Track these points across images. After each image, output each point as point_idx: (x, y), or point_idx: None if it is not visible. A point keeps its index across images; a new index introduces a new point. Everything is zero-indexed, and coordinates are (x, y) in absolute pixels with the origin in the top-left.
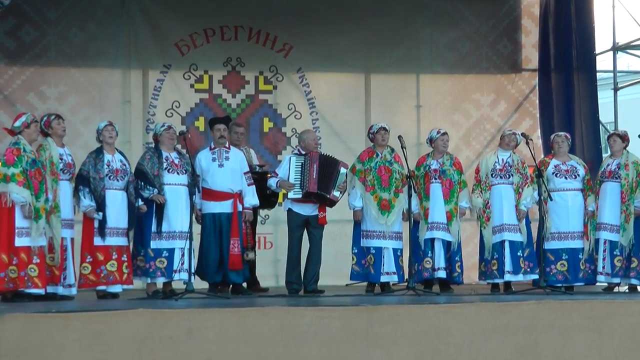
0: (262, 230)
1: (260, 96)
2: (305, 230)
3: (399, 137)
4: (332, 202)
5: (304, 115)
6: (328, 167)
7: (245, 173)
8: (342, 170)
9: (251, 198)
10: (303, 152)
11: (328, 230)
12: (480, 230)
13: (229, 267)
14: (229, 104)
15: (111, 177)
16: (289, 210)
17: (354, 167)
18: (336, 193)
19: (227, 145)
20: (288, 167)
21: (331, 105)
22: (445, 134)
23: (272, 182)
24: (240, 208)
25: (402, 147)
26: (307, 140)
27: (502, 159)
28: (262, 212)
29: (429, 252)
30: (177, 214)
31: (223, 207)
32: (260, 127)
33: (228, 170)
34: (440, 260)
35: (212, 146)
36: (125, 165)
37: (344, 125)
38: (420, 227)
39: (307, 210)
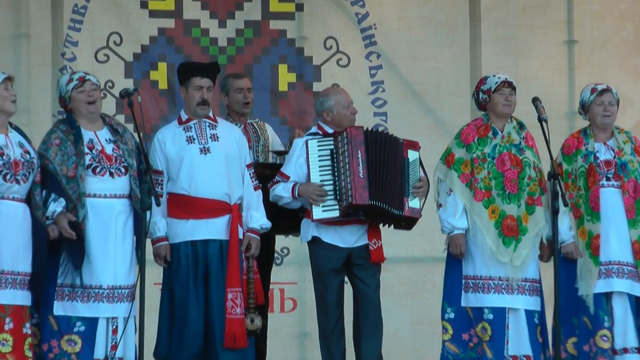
0: (276, 278)
1: (272, 24)
2: (346, 276)
3: (535, 100)
4: (410, 222)
5: (355, 60)
6: (383, 153)
7: (248, 166)
8: (411, 155)
9: (258, 213)
10: (330, 131)
11: (397, 276)
12: None
13: (226, 343)
14: (214, 39)
15: (7, 177)
16: (315, 242)
17: (451, 153)
18: (413, 203)
19: (211, 115)
20: (306, 161)
21: (407, 43)
22: (606, 91)
23: (280, 190)
24: (241, 232)
25: (540, 120)
26: (337, 107)
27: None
28: (280, 242)
29: (605, 318)
30: (109, 253)
31: (213, 229)
32: (273, 82)
33: (220, 160)
34: (627, 332)
35: (184, 118)
36: (29, 153)
37: (432, 80)
38: (582, 272)
39: (349, 238)
